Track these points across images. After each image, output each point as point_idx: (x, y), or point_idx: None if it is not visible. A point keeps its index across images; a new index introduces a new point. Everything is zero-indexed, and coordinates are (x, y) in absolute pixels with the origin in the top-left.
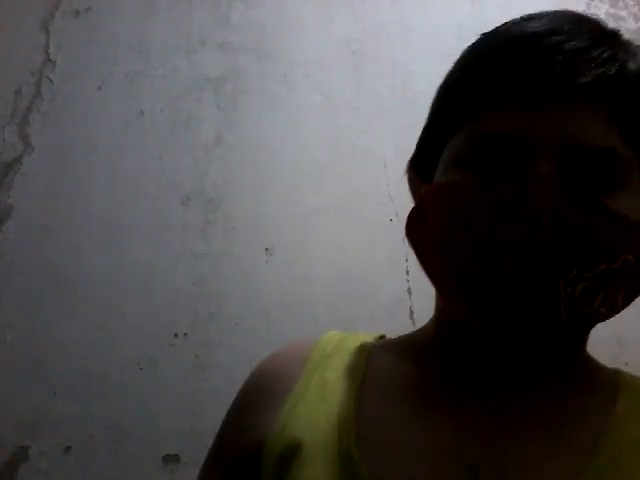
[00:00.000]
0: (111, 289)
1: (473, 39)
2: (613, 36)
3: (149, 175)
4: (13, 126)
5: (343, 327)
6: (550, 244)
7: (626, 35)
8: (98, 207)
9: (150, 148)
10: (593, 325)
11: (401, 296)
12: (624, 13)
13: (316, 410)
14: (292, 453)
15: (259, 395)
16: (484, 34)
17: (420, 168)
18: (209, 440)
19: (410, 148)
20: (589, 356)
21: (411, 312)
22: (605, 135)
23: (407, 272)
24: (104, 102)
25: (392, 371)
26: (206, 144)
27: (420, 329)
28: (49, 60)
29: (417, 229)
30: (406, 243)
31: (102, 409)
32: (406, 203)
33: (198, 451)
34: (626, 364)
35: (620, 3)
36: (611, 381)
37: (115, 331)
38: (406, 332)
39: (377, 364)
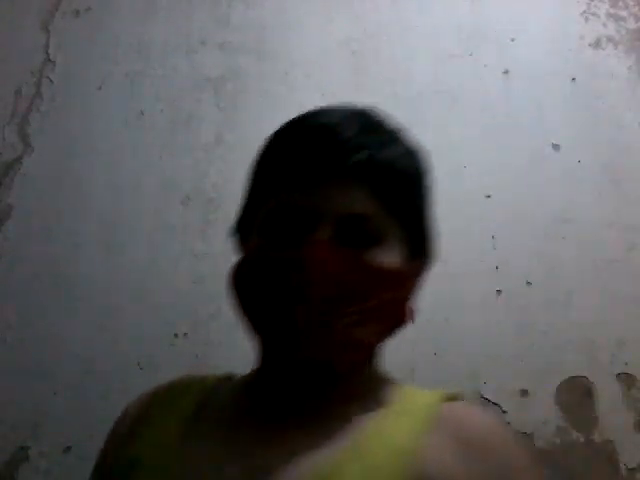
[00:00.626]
0: (111, 289)
1: (473, 39)
2: (378, 127)
3: (149, 175)
4: (13, 126)
5: None
6: (323, 290)
7: (626, 35)
8: (98, 207)
9: (150, 148)
10: (368, 351)
11: None
12: (624, 13)
13: (152, 436)
14: (126, 474)
15: (119, 435)
16: (281, 129)
17: (239, 232)
18: None
19: None
20: (378, 377)
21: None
22: (366, 205)
23: None
24: (104, 102)
25: (222, 403)
26: (206, 144)
27: (252, 370)
28: (49, 60)
29: (241, 286)
30: None
31: (102, 409)
32: None
33: None
34: (626, 364)
35: (620, 3)
36: (384, 398)
37: (115, 331)
38: (406, 332)
39: (211, 399)
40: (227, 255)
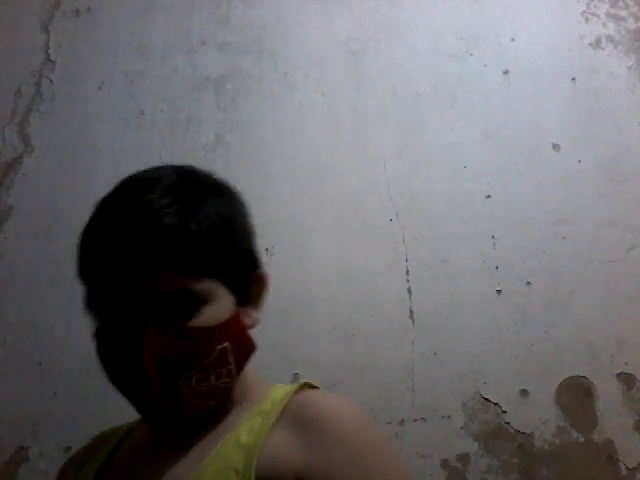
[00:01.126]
0: None
1: (473, 39)
2: (193, 197)
3: None
4: (13, 126)
5: (343, 327)
6: (164, 365)
7: (626, 35)
8: None
9: (150, 148)
10: (229, 389)
11: (401, 296)
12: (624, 13)
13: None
14: None
15: None
16: (90, 223)
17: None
18: None
19: (410, 148)
20: (247, 390)
21: (411, 312)
22: (175, 282)
23: (407, 272)
24: (104, 102)
25: (135, 439)
26: (206, 144)
27: None
28: (49, 60)
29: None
30: (406, 243)
31: (102, 409)
32: (406, 203)
33: None
34: (626, 364)
35: (620, 3)
36: (251, 403)
37: None
38: (406, 332)
39: (129, 438)
40: None
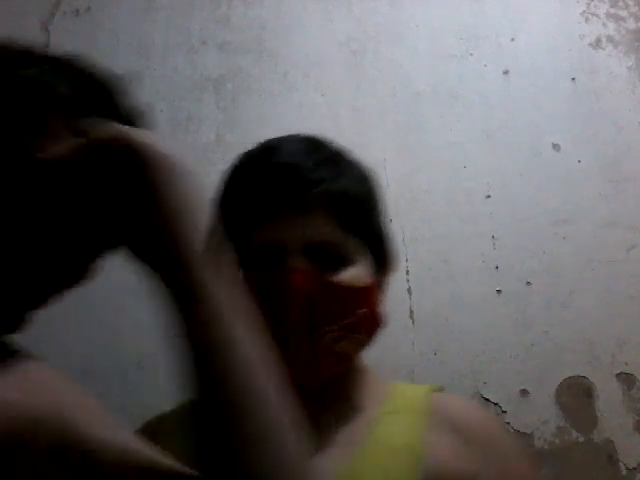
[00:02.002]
0: (111, 289)
1: (473, 39)
2: (331, 158)
3: None
4: None
5: None
6: (303, 312)
7: (626, 35)
8: None
9: None
10: (352, 359)
11: (401, 296)
12: (624, 13)
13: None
14: None
15: None
16: (242, 167)
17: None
18: None
19: (410, 148)
20: (365, 379)
21: (411, 312)
22: (327, 232)
23: (407, 272)
24: None
25: None
26: (206, 144)
27: None
28: None
29: None
30: (406, 243)
31: None
32: (406, 203)
33: None
34: (626, 364)
35: (620, 3)
36: (376, 397)
37: (115, 331)
38: (406, 332)
39: None
40: None
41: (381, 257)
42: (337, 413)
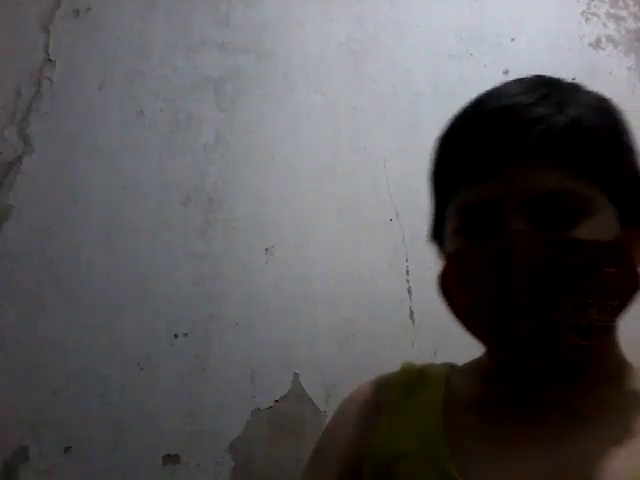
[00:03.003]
0: (111, 289)
1: (473, 39)
2: (553, 94)
3: (149, 175)
4: (13, 126)
5: (343, 327)
6: (534, 282)
7: (626, 35)
8: (98, 207)
9: (150, 148)
10: (605, 332)
11: (401, 296)
12: (624, 13)
13: (409, 426)
14: (392, 463)
15: (357, 418)
16: (456, 120)
17: (435, 235)
18: (209, 440)
19: (410, 148)
20: (623, 359)
21: (411, 312)
22: (552, 181)
23: (407, 272)
24: (104, 102)
25: (466, 392)
26: (206, 144)
27: (480, 357)
28: (49, 60)
29: (447, 290)
30: (406, 243)
31: (102, 409)
32: (406, 203)
33: (198, 451)
34: None
35: (620, 3)
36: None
37: (115, 331)
38: (406, 332)
39: (453, 388)
40: (227, 255)
41: (631, 208)
42: (602, 398)
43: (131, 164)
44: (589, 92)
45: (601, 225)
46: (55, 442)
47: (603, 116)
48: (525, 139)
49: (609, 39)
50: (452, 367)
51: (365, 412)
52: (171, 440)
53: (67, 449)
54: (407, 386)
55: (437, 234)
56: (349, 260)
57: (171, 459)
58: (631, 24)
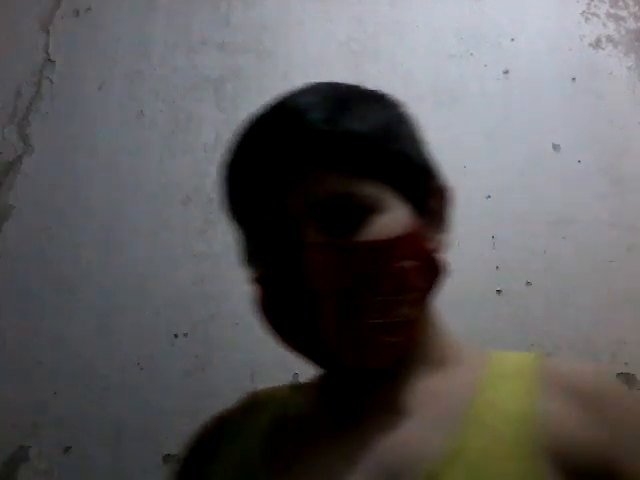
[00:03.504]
0: (111, 289)
1: (473, 39)
2: (343, 95)
3: (149, 175)
4: (13, 126)
5: None
6: (334, 289)
7: (626, 35)
8: (98, 207)
9: (150, 148)
10: (419, 323)
11: None
12: (624, 13)
13: (231, 460)
14: None
15: (193, 464)
16: (237, 141)
17: (246, 260)
18: None
19: None
20: (447, 342)
21: None
22: (335, 186)
23: None
24: (104, 102)
25: (298, 411)
26: (206, 144)
27: (316, 376)
28: (49, 60)
29: (265, 314)
30: None
31: (102, 409)
32: None
33: None
34: (626, 364)
35: (620, 3)
36: (471, 364)
37: (115, 331)
38: None
39: (289, 409)
40: (227, 255)
41: (417, 197)
42: (424, 381)
43: (131, 164)
44: (368, 91)
45: (392, 221)
46: (55, 442)
47: (380, 114)
48: (301, 152)
49: (609, 39)
50: (295, 387)
51: (203, 450)
52: (171, 440)
53: (67, 449)
54: (243, 415)
55: (247, 259)
56: None
57: (171, 459)
58: (631, 24)
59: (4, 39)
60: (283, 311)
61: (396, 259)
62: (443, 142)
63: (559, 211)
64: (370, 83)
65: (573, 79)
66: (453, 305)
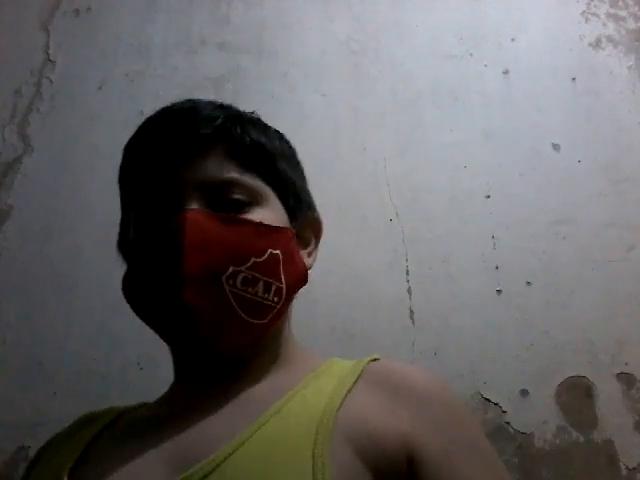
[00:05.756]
0: (111, 289)
1: (473, 39)
2: (219, 107)
3: None
4: (13, 126)
5: (343, 327)
6: (202, 255)
7: (626, 35)
8: (98, 207)
9: None
10: (276, 315)
11: (401, 296)
12: (624, 13)
13: (42, 476)
14: None
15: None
16: (135, 133)
17: (121, 244)
18: None
19: (410, 148)
20: (296, 350)
21: (411, 312)
22: (226, 171)
23: (407, 272)
24: (104, 102)
25: (134, 418)
26: None
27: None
28: (49, 60)
29: (130, 292)
30: (406, 243)
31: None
32: (406, 203)
33: None
34: (626, 364)
35: (620, 3)
36: (308, 366)
37: (115, 331)
38: (406, 332)
39: (124, 418)
40: None
41: (295, 216)
42: (257, 380)
43: None
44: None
45: (270, 215)
46: None
47: (278, 135)
48: (199, 133)
49: (609, 39)
50: (142, 405)
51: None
52: None
53: None
54: (68, 432)
55: (123, 243)
56: (349, 260)
57: None
58: (631, 24)
59: (4, 39)
60: (146, 278)
61: (270, 244)
62: (443, 142)
63: (559, 211)
64: (370, 83)
65: (573, 79)
66: (453, 305)
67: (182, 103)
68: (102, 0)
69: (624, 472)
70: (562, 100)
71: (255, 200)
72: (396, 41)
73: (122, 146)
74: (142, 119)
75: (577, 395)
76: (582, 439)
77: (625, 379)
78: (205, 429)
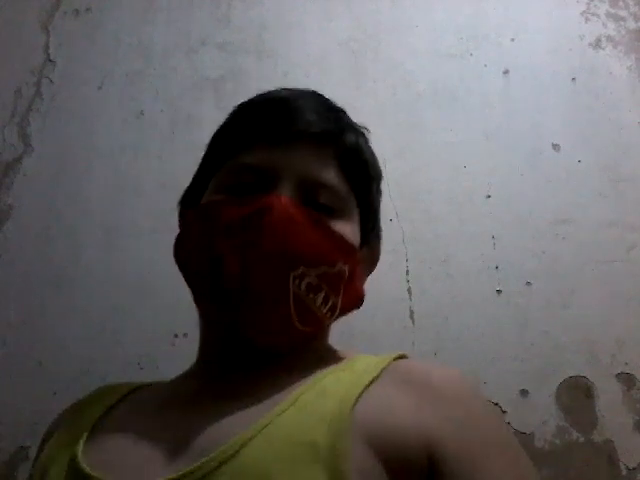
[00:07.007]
0: (111, 289)
1: (473, 39)
2: (341, 111)
3: (149, 175)
4: (13, 126)
5: (343, 327)
6: (282, 244)
7: (626, 35)
8: (98, 207)
9: (150, 148)
10: (320, 327)
11: (401, 296)
12: (624, 13)
13: (64, 436)
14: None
15: (40, 445)
16: (244, 102)
17: (189, 202)
18: None
19: (410, 148)
20: (328, 351)
21: (411, 312)
22: (331, 175)
23: (407, 272)
24: (104, 102)
25: (152, 394)
26: (206, 144)
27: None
28: (49, 60)
29: (183, 251)
30: (406, 243)
31: None
32: (406, 203)
33: None
34: (626, 364)
35: (620, 3)
36: (332, 362)
37: (115, 331)
38: (406, 332)
39: (139, 394)
40: None
41: (369, 233)
42: (282, 376)
43: (131, 164)
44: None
45: (350, 230)
46: None
47: (373, 154)
48: (312, 129)
49: (609, 39)
50: (158, 382)
51: (44, 440)
52: None
53: None
54: (86, 401)
55: (190, 200)
56: None
57: None
58: (631, 24)
59: (4, 39)
60: (211, 246)
61: (343, 258)
62: (443, 142)
63: (559, 211)
64: (370, 83)
65: (573, 79)
66: (453, 305)
67: (306, 90)
68: (102, 0)
69: (624, 472)
70: (562, 100)
71: (341, 211)
72: (396, 41)
73: (122, 146)
74: (142, 119)
75: (577, 395)
76: (582, 439)
77: (625, 379)
78: (219, 417)
